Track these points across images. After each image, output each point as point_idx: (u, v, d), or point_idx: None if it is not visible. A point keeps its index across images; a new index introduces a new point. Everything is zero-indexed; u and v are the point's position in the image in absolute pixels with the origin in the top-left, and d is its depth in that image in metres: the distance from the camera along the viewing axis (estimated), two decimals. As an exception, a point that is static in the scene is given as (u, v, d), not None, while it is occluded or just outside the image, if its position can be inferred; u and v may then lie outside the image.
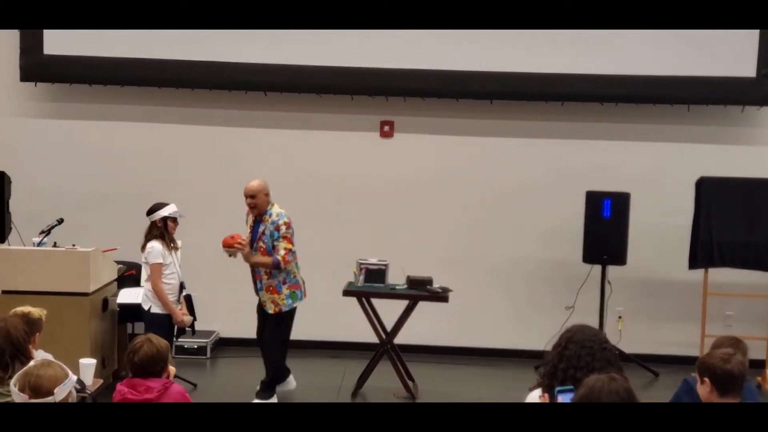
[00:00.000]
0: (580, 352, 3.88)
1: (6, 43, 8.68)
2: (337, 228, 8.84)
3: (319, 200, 8.62)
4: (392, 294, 7.63)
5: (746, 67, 8.50)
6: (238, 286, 7.69)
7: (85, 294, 7.01)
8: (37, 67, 8.69)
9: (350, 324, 8.36)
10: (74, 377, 3.80)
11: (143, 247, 7.06)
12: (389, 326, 7.71)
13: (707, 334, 8.15)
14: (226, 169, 8.92)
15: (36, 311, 5.13)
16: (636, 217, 8.43)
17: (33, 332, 4.88)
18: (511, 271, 9.01)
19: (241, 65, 8.59)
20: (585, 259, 8.47)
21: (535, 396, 3.98)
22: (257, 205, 7.02)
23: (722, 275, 8.46)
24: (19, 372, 3.72)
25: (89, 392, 5.26)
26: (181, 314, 7.06)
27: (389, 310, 7.75)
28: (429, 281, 7.67)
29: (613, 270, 8.51)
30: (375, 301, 7.69)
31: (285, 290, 7.11)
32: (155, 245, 6.97)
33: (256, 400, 7.19)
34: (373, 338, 7.72)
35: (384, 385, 7.68)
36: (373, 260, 7.81)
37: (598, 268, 8.52)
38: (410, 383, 7.70)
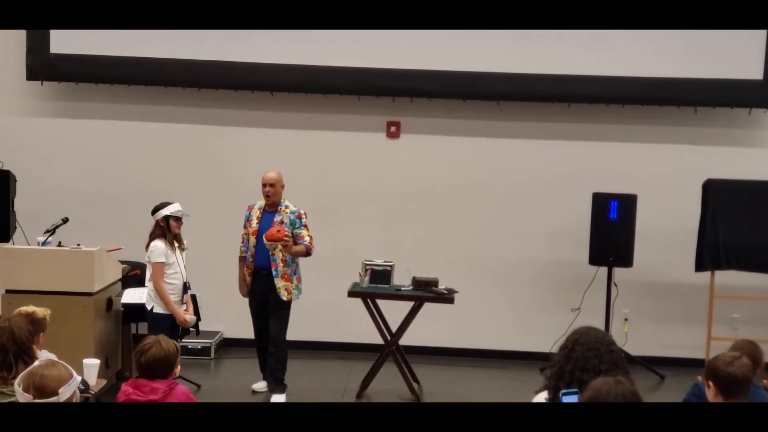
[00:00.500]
0: (586, 354, 3.86)
1: (13, 41, 8.68)
2: (343, 228, 8.82)
3: (325, 200, 8.60)
4: (397, 295, 7.61)
5: (753, 70, 8.48)
6: (243, 286, 7.68)
7: (90, 294, 7.01)
8: (43, 66, 8.70)
9: (355, 325, 8.35)
10: (79, 378, 3.78)
11: (147, 247, 7.05)
12: (394, 327, 7.69)
13: (713, 336, 8.13)
14: (232, 168, 8.92)
15: (40, 311, 5.12)
16: (642, 219, 8.41)
17: (37, 332, 4.87)
18: (517, 272, 8.99)
19: (248, 65, 8.58)
20: (591, 260, 8.45)
21: (541, 398, 3.96)
22: (274, 194, 7.27)
23: (729, 278, 8.42)
24: (24, 372, 3.70)
25: (93, 392, 5.25)
26: (183, 314, 7.02)
27: (394, 311, 7.73)
28: (434, 282, 7.65)
29: (619, 272, 8.49)
30: (380, 302, 7.66)
31: (295, 281, 7.33)
32: (158, 244, 6.96)
33: (277, 396, 7.29)
34: (378, 339, 7.70)
35: (389, 387, 7.66)
36: (379, 261, 7.79)
37: (604, 269, 8.50)
38: (415, 385, 7.68)
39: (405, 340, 7.76)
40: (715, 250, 8.25)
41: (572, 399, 3.58)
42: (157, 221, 7.03)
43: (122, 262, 7.83)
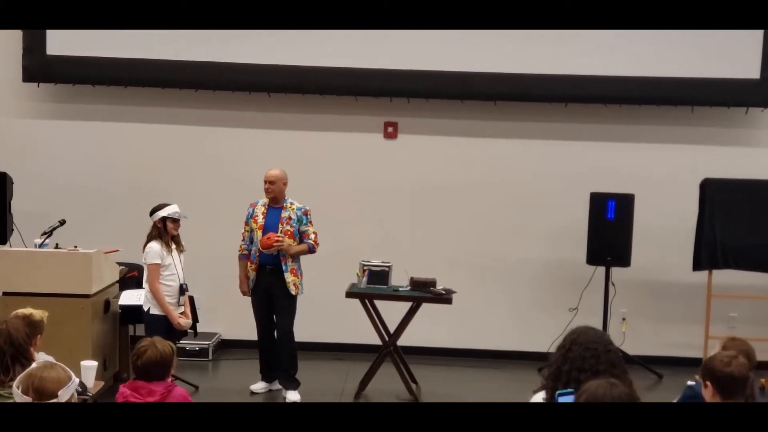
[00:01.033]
0: (584, 354, 3.86)
1: (9, 43, 8.67)
2: (340, 229, 8.81)
3: (322, 201, 8.59)
4: (395, 296, 7.61)
5: (750, 69, 8.48)
6: (241, 287, 7.67)
7: (87, 296, 6.99)
8: (39, 68, 8.67)
9: (353, 326, 8.35)
10: (77, 380, 3.78)
11: (144, 248, 7.04)
12: (392, 328, 7.68)
13: (711, 335, 8.13)
14: (229, 169, 8.91)
15: (37, 313, 5.10)
16: (640, 219, 8.40)
17: (34, 334, 4.86)
18: (515, 272, 8.98)
19: (245, 66, 8.57)
20: (589, 260, 8.45)
21: (539, 398, 3.95)
22: (274, 190, 7.37)
23: (726, 277, 8.43)
24: (23, 374, 3.69)
25: (90, 395, 5.24)
26: (178, 317, 6.99)
27: (393, 311, 7.73)
28: (432, 283, 7.65)
29: (617, 271, 8.49)
30: (378, 303, 7.66)
31: (300, 276, 7.40)
32: (153, 246, 6.94)
33: (292, 394, 7.38)
34: (376, 340, 7.70)
35: (387, 388, 7.65)
36: (377, 262, 7.79)
37: (602, 269, 8.50)
38: (413, 385, 7.67)
39: (403, 341, 7.75)
40: (712, 250, 8.25)
41: (568, 399, 3.58)
42: (154, 223, 7.02)
43: (120, 264, 7.82)
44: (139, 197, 8.23)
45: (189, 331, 7.25)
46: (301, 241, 7.41)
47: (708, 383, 3.98)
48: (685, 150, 8.87)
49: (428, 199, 8.97)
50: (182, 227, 7.16)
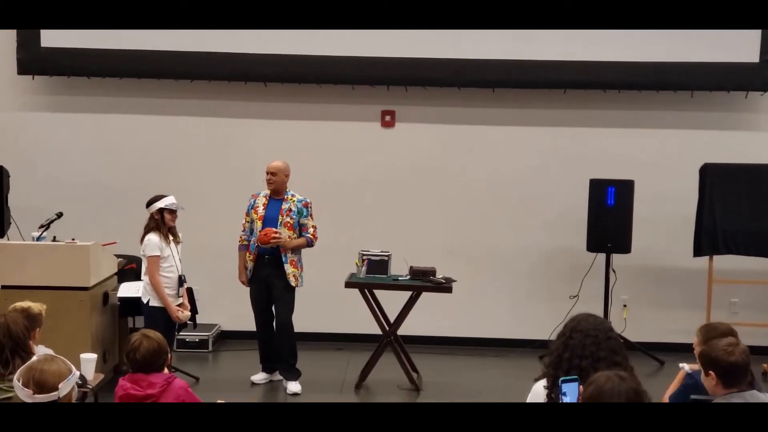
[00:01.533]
0: (584, 341, 3.86)
1: (3, 36, 8.62)
2: (339, 219, 8.79)
3: (320, 191, 8.56)
4: (395, 285, 7.58)
5: (749, 53, 8.46)
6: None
7: (86, 288, 6.96)
8: (34, 60, 8.64)
9: (353, 315, 8.33)
10: (77, 372, 3.78)
11: (142, 240, 7.02)
12: (392, 317, 7.67)
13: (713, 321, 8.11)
14: (226, 160, 8.89)
15: (36, 306, 5.10)
16: (640, 205, 8.38)
17: (33, 327, 4.87)
18: (515, 260, 8.97)
19: (241, 56, 8.54)
20: (589, 247, 8.43)
21: (540, 386, 3.94)
22: (275, 182, 7.37)
23: (727, 262, 8.42)
24: (23, 367, 3.69)
25: (90, 387, 5.23)
26: (176, 310, 6.96)
27: (392, 300, 7.71)
28: (432, 272, 7.62)
29: (617, 258, 8.48)
30: (378, 292, 7.64)
31: (300, 269, 7.41)
32: (151, 238, 6.91)
33: (293, 385, 7.37)
34: (376, 330, 7.68)
35: (388, 377, 7.64)
36: (376, 251, 7.76)
37: (602, 256, 8.48)
38: (414, 375, 7.66)
39: (403, 330, 7.73)
40: (713, 235, 8.24)
41: (572, 386, 3.56)
42: (151, 214, 6.98)
43: (118, 256, 7.79)
44: (136, 189, 8.19)
45: (189, 322, 7.23)
46: (300, 234, 7.39)
47: (711, 372, 3.97)
48: (685, 135, 8.84)
49: (426, 187, 8.94)
50: (181, 218, 7.14)
